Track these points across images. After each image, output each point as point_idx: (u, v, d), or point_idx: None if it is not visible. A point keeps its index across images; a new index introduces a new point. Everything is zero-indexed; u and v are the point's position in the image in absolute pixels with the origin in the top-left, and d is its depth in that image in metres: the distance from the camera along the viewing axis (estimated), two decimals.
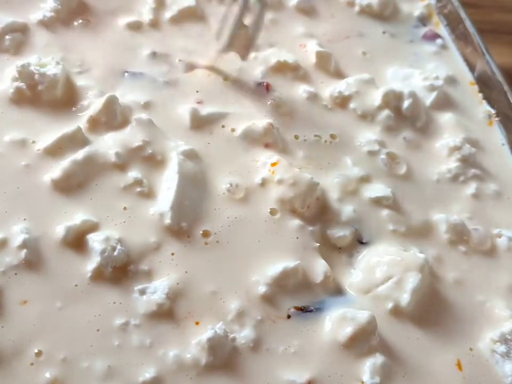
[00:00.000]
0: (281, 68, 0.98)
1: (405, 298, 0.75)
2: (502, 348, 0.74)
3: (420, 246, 0.82)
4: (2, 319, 0.67)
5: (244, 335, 0.70)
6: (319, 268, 0.76)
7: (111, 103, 0.85)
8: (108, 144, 0.82)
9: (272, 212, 0.80)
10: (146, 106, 0.89)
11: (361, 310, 0.73)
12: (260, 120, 0.89)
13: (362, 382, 0.69)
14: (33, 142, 0.81)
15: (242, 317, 0.71)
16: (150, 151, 0.82)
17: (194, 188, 0.80)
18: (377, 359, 0.70)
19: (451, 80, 1.06)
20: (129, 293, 0.71)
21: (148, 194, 0.79)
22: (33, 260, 0.71)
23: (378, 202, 0.85)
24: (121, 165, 0.80)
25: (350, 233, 0.81)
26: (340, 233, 0.81)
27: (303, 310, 0.73)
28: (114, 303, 0.70)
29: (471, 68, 1.08)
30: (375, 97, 0.96)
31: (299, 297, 0.74)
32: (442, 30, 1.14)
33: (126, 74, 0.93)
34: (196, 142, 0.86)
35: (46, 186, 0.77)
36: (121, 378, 0.65)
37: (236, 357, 0.68)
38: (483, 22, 1.14)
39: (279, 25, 1.07)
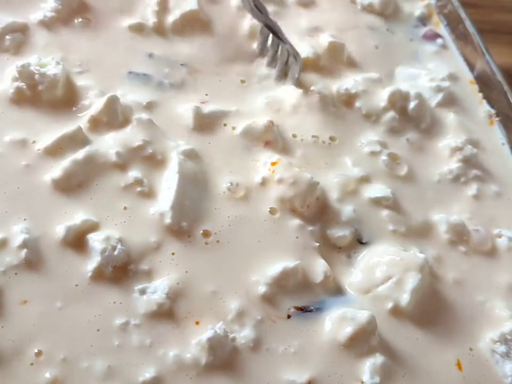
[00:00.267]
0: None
1: (404, 298, 0.75)
2: (502, 348, 0.74)
3: (420, 246, 0.82)
4: (2, 319, 0.67)
5: (243, 335, 0.70)
6: (319, 267, 0.76)
7: (112, 103, 0.85)
8: (108, 144, 0.82)
9: (272, 211, 0.81)
10: (147, 106, 0.89)
11: (361, 310, 0.73)
12: (260, 118, 0.89)
13: (362, 382, 0.69)
14: (34, 142, 0.81)
15: (242, 316, 0.71)
16: (151, 151, 0.82)
17: (194, 188, 0.80)
18: (377, 359, 0.70)
19: (452, 80, 1.06)
20: (129, 292, 0.71)
21: (148, 194, 0.79)
22: (33, 259, 0.71)
23: (378, 202, 0.85)
24: (121, 165, 0.80)
25: (350, 233, 0.81)
26: (340, 233, 0.81)
27: (303, 310, 0.73)
28: (114, 303, 0.70)
29: (471, 67, 1.08)
30: (382, 97, 0.96)
31: (299, 297, 0.74)
32: (443, 29, 1.14)
33: (127, 74, 0.93)
34: (196, 142, 0.86)
35: (46, 186, 0.77)
36: (121, 378, 0.65)
37: (235, 357, 0.68)
38: (483, 22, 1.14)
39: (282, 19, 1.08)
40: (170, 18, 1.02)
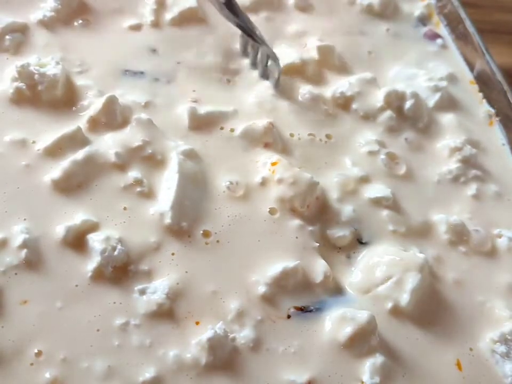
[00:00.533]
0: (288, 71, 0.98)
1: (404, 298, 0.75)
2: (502, 348, 0.74)
3: (420, 246, 0.82)
4: (2, 319, 0.67)
5: (243, 335, 0.70)
6: (318, 267, 0.76)
7: (111, 103, 0.85)
8: (108, 144, 0.82)
9: (272, 211, 0.81)
10: (146, 106, 0.89)
11: (361, 310, 0.73)
12: (260, 120, 0.89)
13: (362, 382, 0.69)
14: (33, 142, 0.81)
15: (242, 317, 0.71)
16: (150, 151, 0.82)
17: (194, 188, 0.80)
18: (377, 359, 0.70)
19: (451, 80, 1.06)
20: (129, 293, 0.71)
21: (148, 194, 0.79)
22: (33, 259, 0.71)
23: (378, 202, 0.85)
24: (121, 165, 0.80)
25: (350, 233, 0.81)
26: (340, 233, 0.81)
27: (303, 310, 0.73)
28: (114, 303, 0.70)
29: (471, 67, 1.08)
30: (377, 98, 0.96)
31: (299, 297, 0.74)
32: (442, 29, 1.14)
33: (125, 73, 0.93)
34: (196, 142, 0.86)
35: (46, 186, 0.77)
36: (121, 378, 0.65)
37: (236, 357, 0.68)
38: (483, 22, 1.14)
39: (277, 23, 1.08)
40: (169, 15, 1.02)
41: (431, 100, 1.01)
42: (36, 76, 0.85)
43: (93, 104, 0.86)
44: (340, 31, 1.10)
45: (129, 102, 0.88)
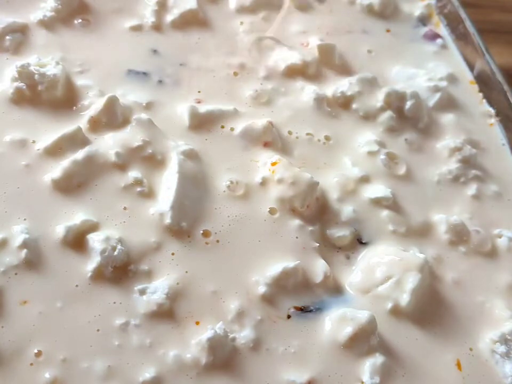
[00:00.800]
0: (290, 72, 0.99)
1: (404, 298, 0.75)
2: (502, 348, 0.74)
3: (420, 246, 0.82)
4: (2, 319, 0.67)
5: (244, 335, 0.70)
6: (318, 268, 0.76)
7: (112, 104, 0.85)
8: (108, 144, 0.82)
9: (272, 211, 0.80)
10: (147, 106, 0.89)
11: (361, 310, 0.73)
12: (259, 119, 0.89)
13: (362, 382, 0.69)
14: (33, 142, 0.81)
15: (242, 317, 0.71)
16: (150, 151, 0.82)
17: (194, 188, 0.80)
18: (377, 359, 0.70)
19: (451, 80, 1.06)
20: (129, 293, 0.71)
21: (148, 194, 0.79)
22: (33, 259, 0.71)
23: (378, 202, 0.84)
24: (121, 165, 0.80)
25: (350, 233, 0.81)
26: (340, 233, 0.81)
27: (303, 310, 0.73)
28: (114, 303, 0.70)
29: (471, 67, 1.08)
30: (378, 98, 0.96)
31: (299, 297, 0.74)
32: (443, 30, 1.14)
33: (126, 73, 0.93)
34: (196, 141, 0.86)
35: (46, 186, 0.77)
36: (121, 378, 0.65)
37: (235, 357, 0.68)
38: (483, 22, 1.14)
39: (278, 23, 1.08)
40: (169, 17, 1.02)
41: (431, 100, 1.01)
42: (36, 76, 0.85)
43: (93, 104, 0.86)
44: (340, 31, 1.10)
45: (130, 102, 0.88)
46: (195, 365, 0.67)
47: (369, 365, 0.70)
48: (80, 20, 0.99)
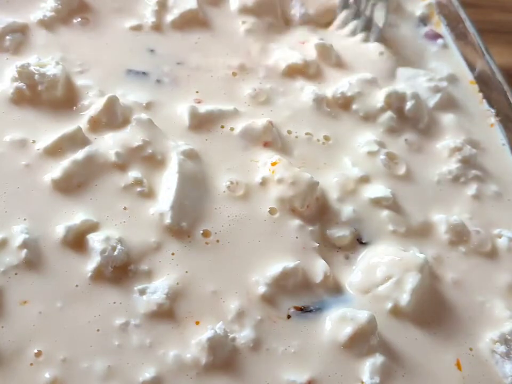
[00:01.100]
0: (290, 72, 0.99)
1: (404, 298, 0.75)
2: (502, 348, 0.74)
3: (420, 246, 0.82)
4: (2, 319, 0.67)
5: (244, 335, 0.70)
6: (318, 267, 0.76)
7: (112, 104, 0.85)
8: (108, 144, 0.82)
9: (272, 211, 0.80)
10: (147, 106, 0.89)
11: (361, 310, 0.73)
12: (259, 119, 0.89)
13: (362, 382, 0.69)
14: (33, 142, 0.81)
15: (242, 317, 0.71)
16: (150, 151, 0.82)
17: (194, 188, 0.80)
18: (377, 359, 0.70)
19: (452, 81, 1.06)
20: (129, 293, 0.71)
21: (148, 194, 0.79)
22: (33, 259, 0.71)
23: (378, 203, 0.84)
24: (121, 165, 0.80)
25: (350, 233, 0.81)
26: (340, 233, 0.81)
27: (303, 310, 0.73)
28: (114, 303, 0.70)
29: (471, 67, 1.08)
30: (378, 98, 0.96)
31: (299, 297, 0.74)
32: (443, 29, 1.14)
33: (126, 73, 0.93)
34: (196, 142, 0.86)
35: (46, 186, 0.77)
36: (121, 378, 0.65)
37: (235, 357, 0.68)
38: (483, 22, 1.14)
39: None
40: (170, 17, 1.02)
41: (432, 100, 1.01)
42: (36, 76, 0.85)
43: (93, 104, 0.86)
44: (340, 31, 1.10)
45: (129, 101, 0.88)
46: (195, 365, 0.67)
47: (369, 365, 0.70)
48: (79, 19, 0.99)
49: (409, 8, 1.17)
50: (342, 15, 1.07)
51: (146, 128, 0.84)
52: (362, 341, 0.71)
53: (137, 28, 1.00)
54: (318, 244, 0.79)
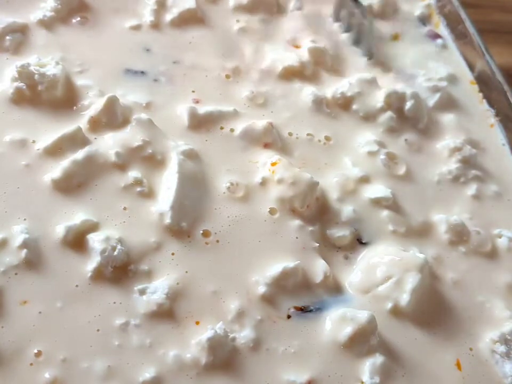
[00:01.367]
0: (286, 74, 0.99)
1: (404, 298, 0.75)
2: (501, 348, 0.74)
3: (420, 246, 0.82)
4: (2, 319, 0.67)
5: (244, 335, 0.70)
6: (318, 267, 0.76)
7: (112, 104, 0.85)
8: (108, 144, 0.82)
9: (272, 211, 0.80)
10: (147, 106, 0.89)
11: (361, 310, 0.73)
12: (259, 120, 0.89)
13: (362, 382, 0.69)
14: (33, 142, 0.81)
15: (242, 317, 0.71)
16: (150, 151, 0.82)
17: (194, 188, 0.80)
18: (377, 359, 0.70)
19: (451, 81, 1.06)
20: (129, 293, 0.71)
21: (148, 194, 0.79)
22: (33, 259, 0.71)
23: (378, 203, 0.84)
24: (121, 165, 0.80)
25: (350, 233, 0.81)
26: (340, 233, 0.81)
27: (303, 310, 0.73)
28: (114, 303, 0.70)
29: (471, 67, 1.08)
30: (378, 98, 0.96)
31: (299, 297, 0.74)
32: (443, 29, 1.14)
33: (127, 73, 0.93)
34: (196, 142, 0.86)
35: (46, 186, 0.77)
36: (121, 378, 0.65)
37: (235, 357, 0.68)
38: (483, 22, 1.14)
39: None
40: (168, 16, 1.02)
41: (431, 100, 1.01)
42: (36, 76, 0.85)
43: (93, 104, 0.86)
44: (339, 31, 1.09)
45: (129, 101, 0.88)
46: (195, 365, 0.67)
47: (369, 365, 0.70)
48: (78, 18, 0.99)
49: (408, 9, 1.17)
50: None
51: (146, 128, 0.84)
52: (362, 341, 0.71)
53: (137, 28, 1.00)
54: (318, 244, 0.79)
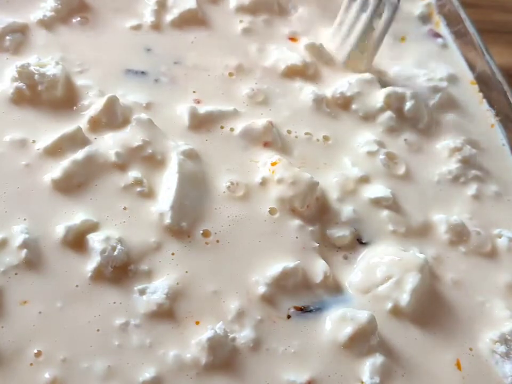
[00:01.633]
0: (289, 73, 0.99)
1: (404, 298, 0.75)
2: (501, 348, 0.74)
3: (420, 246, 0.82)
4: (2, 319, 0.67)
5: (244, 335, 0.70)
6: (318, 267, 0.76)
7: (112, 104, 0.85)
8: (108, 144, 0.82)
9: (272, 211, 0.80)
10: (147, 106, 0.89)
11: (361, 310, 0.73)
12: (259, 119, 0.89)
13: (362, 382, 0.69)
14: (33, 142, 0.81)
15: (242, 317, 0.71)
16: (150, 151, 0.82)
17: (194, 188, 0.80)
18: (377, 359, 0.70)
19: (452, 81, 1.06)
20: (129, 293, 0.71)
21: (148, 194, 0.79)
22: (33, 259, 0.71)
23: (378, 203, 0.84)
24: (121, 165, 0.80)
25: (350, 233, 0.81)
26: (340, 233, 0.81)
27: (303, 310, 0.73)
28: (114, 303, 0.70)
29: (471, 67, 1.08)
30: (377, 98, 0.96)
31: (299, 297, 0.74)
32: (443, 29, 1.14)
33: (127, 73, 0.93)
34: (196, 142, 0.86)
35: (46, 186, 0.77)
36: (121, 379, 0.65)
37: (235, 357, 0.68)
38: (483, 22, 1.14)
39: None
40: (169, 17, 1.02)
41: (431, 100, 1.01)
42: (36, 76, 0.85)
43: (93, 104, 0.86)
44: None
45: (129, 101, 0.88)
46: (195, 365, 0.67)
47: (369, 365, 0.70)
48: (78, 18, 0.99)
49: (408, 8, 1.17)
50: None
51: (146, 128, 0.84)
52: (362, 341, 0.71)
53: (137, 28, 1.00)
54: (318, 244, 0.79)
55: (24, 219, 0.74)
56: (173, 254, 0.75)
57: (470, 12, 1.11)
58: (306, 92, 0.96)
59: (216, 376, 0.67)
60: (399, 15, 1.15)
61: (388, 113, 0.96)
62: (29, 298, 0.69)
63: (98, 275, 0.71)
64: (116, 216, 0.77)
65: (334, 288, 0.76)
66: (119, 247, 0.72)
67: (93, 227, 0.75)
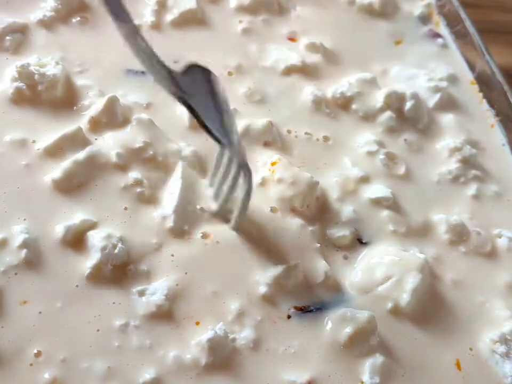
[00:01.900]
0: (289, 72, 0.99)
1: (404, 298, 0.75)
2: (501, 348, 0.74)
3: (420, 246, 0.82)
4: (2, 319, 0.67)
5: (244, 335, 0.70)
6: (319, 267, 0.76)
7: (112, 104, 0.85)
8: (109, 145, 0.82)
9: (273, 210, 0.80)
10: (147, 106, 0.89)
11: (361, 310, 0.73)
12: (259, 119, 0.89)
13: (362, 382, 0.69)
14: (33, 142, 0.81)
15: (242, 317, 0.71)
16: (151, 153, 0.82)
17: (196, 191, 0.80)
18: (377, 359, 0.70)
19: (452, 81, 1.06)
20: (128, 293, 0.71)
21: (149, 195, 0.79)
22: (33, 259, 0.71)
23: (378, 203, 0.84)
24: (122, 166, 0.80)
25: (350, 233, 0.81)
26: (340, 233, 0.81)
27: (303, 310, 0.73)
28: (114, 303, 0.70)
29: (471, 67, 1.08)
30: (377, 98, 0.96)
31: (299, 297, 0.74)
32: (443, 29, 1.14)
33: (125, 73, 0.93)
34: (196, 142, 0.86)
35: (46, 186, 0.77)
36: (121, 379, 0.65)
37: (236, 357, 0.68)
38: (483, 22, 1.14)
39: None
40: (169, 17, 1.02)
41: (431, 100, 1.01)
42: (36, 76, 0.85)
43: (93, 104, 0.86)
44: (339, 31, 1.09)
45: (129, 101, 0.88)
46: (195, 365, 0.67)
47: (369, 365, 0.70)
48: (78, 18, 0.99)
49: (408, 8, 1.17)
50: None
51: (147, 128, 0.84)
52: (362, 341, 0.71)
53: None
54: (318, 244, 0.79)
55: (24, 219, 0.74)
56: (172, 255, 0.75)
57: (470, 12, 1.11)
58: (306, 91, 0.96)
59: (216, 377, 0.67)
60: (399, 15, 1.16)
61: (388, 113, 0.96)
62: (29, 298, 0.69)
63: (98, 272, 0.71)
64: (116, 216, 0.76)
65: (334, 288, 0.76)
66: (120, 245, 0.72)
67: (92, 227, 0.74)
